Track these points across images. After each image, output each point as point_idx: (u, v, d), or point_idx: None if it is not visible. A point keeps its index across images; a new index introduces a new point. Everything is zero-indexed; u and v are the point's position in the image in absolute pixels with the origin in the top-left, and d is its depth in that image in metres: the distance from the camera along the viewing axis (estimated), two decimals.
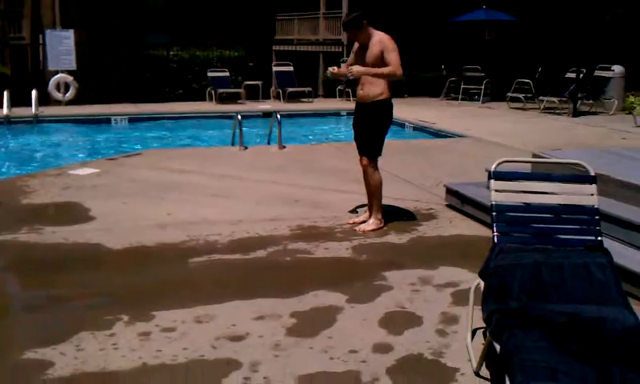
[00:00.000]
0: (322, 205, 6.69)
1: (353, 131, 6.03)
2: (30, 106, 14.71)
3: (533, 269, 3.42)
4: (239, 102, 17.38)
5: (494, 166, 3.78)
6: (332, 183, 7.65)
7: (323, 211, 6.43)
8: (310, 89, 18.48)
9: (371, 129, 5.77)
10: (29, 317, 4.14)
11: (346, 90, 18.34)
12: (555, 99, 15.42)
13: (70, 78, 17.02)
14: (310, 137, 13.81)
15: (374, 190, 5.90)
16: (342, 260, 5.09)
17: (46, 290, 4.49)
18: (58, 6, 21.20)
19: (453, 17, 19.38)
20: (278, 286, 4.52)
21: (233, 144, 10.60)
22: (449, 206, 6.63)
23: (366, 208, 6.10)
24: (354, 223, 5.96)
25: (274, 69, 19.02)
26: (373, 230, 5.79)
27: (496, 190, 3.76)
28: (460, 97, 18.18)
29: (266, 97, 18.57)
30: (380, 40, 5.63)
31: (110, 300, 4.30)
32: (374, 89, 5.66)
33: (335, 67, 6.05)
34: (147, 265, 5.01)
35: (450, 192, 6.70)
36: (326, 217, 6.21)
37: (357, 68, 5.61)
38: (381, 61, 5.58)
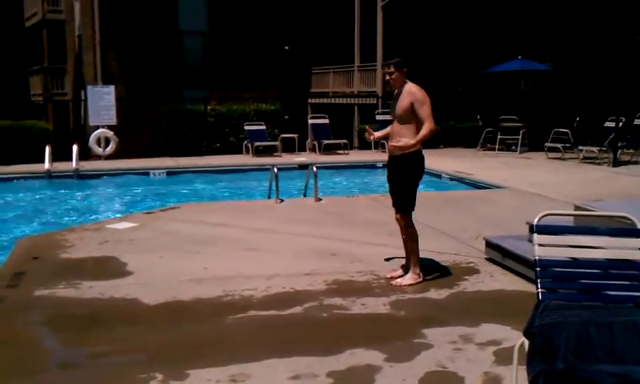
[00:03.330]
0: (358, 258, 6.60)
1: (388, 185, 5.96)
2: (71, 160, 15.02)
3: (580, 327, 3.28)
4: (275, 154, 17.51)
5: (536, 220, 3.67)
6: (368, 236, 7.57)
7: (360, 265, 6.33)
8: (345, 141, 18.55)
9: (403, 182, 5.71)
10: (64, 374, 4.12)
11: (382, 141, 18.37)
12: (595, 149, 15.18)
13: (110, 133, 17.38)
14: (346, 189, 13.79)
15: (410, 245, 5.80)
16: (380, 316, 4.97)
17: (82, 347, 4.47)
18: (100, 63, 21.87)
19: (488, 67, 19.39)
20: (315, 343, 4.42)
21: (269, 197, 10.62)
22: (489, 259, 6.48)
23: (403, 262, 5.99)
24: (391, 277, 5.85)
25: (310, 121, 19.17)
26: (410, 285, 5.67)
27: (539, 245, 3.64)
28: (497, 147, 18.03)
29: (302, 149, 18.69)
30: (410, 91, 5.62)
31: (144, 357, 4.26)
32: (404, 141, 5.61)
33: (372, 133, 6.06)
34: (183, 321, 4.96)
35: (490, 245, 6.56)
36: (363, 271, 6.12)
37: (401, 143, 5.59)
38: (411, 112, 5.56)
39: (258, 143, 17.61)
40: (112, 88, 18.03)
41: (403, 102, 5.60)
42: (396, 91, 5.78)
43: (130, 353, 4.35)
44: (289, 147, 18.49)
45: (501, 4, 20.65)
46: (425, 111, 5.54)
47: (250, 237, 7.72)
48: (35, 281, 5.89)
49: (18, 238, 8.07)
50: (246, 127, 18.19)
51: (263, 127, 18.39)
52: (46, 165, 14.63)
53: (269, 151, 17.73)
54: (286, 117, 20.94)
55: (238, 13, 22.95)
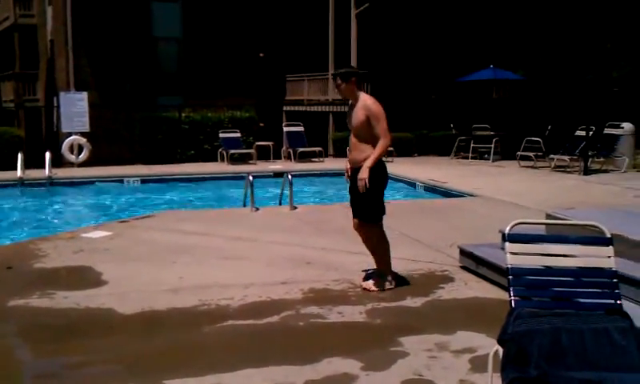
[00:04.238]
0: (334, 267, 6.64)
1: (349, 195, 5.98)
2: (44, 167, 14.86)
3: (552, 335, 3.35)
4: (250, 162, 17.50)
5: (508, 228, 3.74)
6: (344, 244, 7.61)
7: (336, 274, 6.37)
8: (320, 149, 18.62)
9: (368, 192, 5.65)
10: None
11: None
12: (566, 157, 15.42)
13: (83, 140, 17.23)
14: (322, 197, 13.84)
15: (375, 251, 5.87)
16: (357, 325, 5.02)
17: (57, 358, 4.45)
18: (72, 69, 21.69)
19: (461, 76, 19.62)
20: (291, 352, 4.45)
21: (244, 205, 10.62)
22: (463, 267, 6.56)
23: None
24: (367, 287, 5.89)
25: (285, 129, 19.20)
26: (378, 291, 5.72)
27: (511, 253, 3.71)
28: (470, 155, 18.22)
29: (277, 157, 18.71)
30: (364, 104, 5.63)
31: (121, 368, 4.25)
32: (362, 154, 5.64)
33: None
34: (159, 331, 4.95)
35: (464, 253, 6.65)
36: (339, 279, 6.16)
37: (363, 176, 5.60)
38: (366, 126, 5.60)
39: (232, 151, 17.59)
40: (85, 94, 17.88)
41: (358, 115, 5.64)
42: (350, 101, 5.82)
43: (106, 363, 4.33)
44: (264, 155, 18.50)
45: (474, 13, 20.94)
46: (381, 127, 5.56)
47: (226, 245, 7.72)
48: (9, 291, 5.83)
49: None
50: (221, 135, 18.15)
51: (238, 135, 18.38)
52: (19, 172, 14.44)
53: (244, 159, 17.71)
54: (261, 124, 20.96)
55: (213, 20, 22.95)
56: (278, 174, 14.65)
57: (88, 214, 12.09)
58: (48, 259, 7.01)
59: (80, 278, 6.29)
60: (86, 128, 17.43)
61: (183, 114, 19.08)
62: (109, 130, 19.45)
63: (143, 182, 15.03)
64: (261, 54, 24.41)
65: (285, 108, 25.03)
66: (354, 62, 21.03)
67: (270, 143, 18.81)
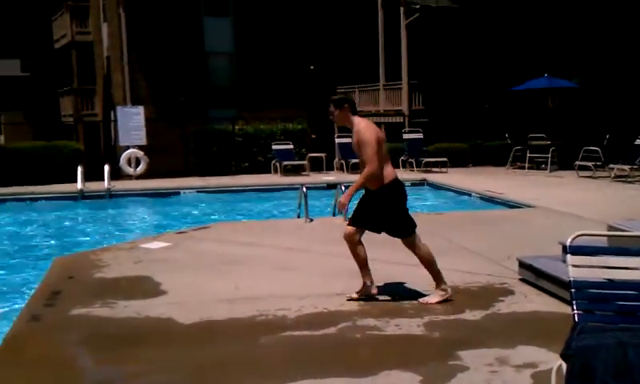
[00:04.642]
0: (390, 278, 6.59)
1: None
2: (103, 180, 15.24)
3: (617, 350, 3.25)
4: (303, 173, 17.61)
5: (569, 240, 3.66)
6: (398, 256, 7.50)
7: (392, 286, 6.33)
8: None
9: (390, 214, 5.66)
10: None
11: (409, 160, 18.35)
12: (626, 167, 15.01)
13: (140, 153, 17.62)
14: None
15: (426, 263, 5.79)
16: (414, 338, 4.96)
17: (117, 366, 4.53)
18: (128, 84, 22.20)
19: (514, 85, 19.32)
20: (349, 364, 4.43)
21: (299, 216, 10.67)
22: (522, 280, 6.43)
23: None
24: (423, 301, 5.82)
25: (337, 140, 19.25)
26: (438, 303, 5.66)
27: (574, 266, 3.62)
28: (527, 165, 17.91)
29: (330, 168, 18.76)
30: (356, 130, 5.65)
31: (179, 378, 4.30)
32: (371, 178, 5.60)
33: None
34: (216, 341, 5.00)
35: (523, 266, 6.51)
36: (395, 292, 6.11)
37: (341, 200, 5.83)
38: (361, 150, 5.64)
39: (286, 162, 17.73)
40: (141, 108, 18.32)
41: (354, 141, 5.73)
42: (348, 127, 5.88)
43: (165, 372, 4.40)
44: (316, 166, 18.59)
45: (527, 21, 20.60)
46: (367, 153, 5.51)
47: (281, 256, 7.76)
48: (71, 300, 5.99)
49: (53, 257, 8.19)
50: (274, 147, 18.33)
51: (291, 146, 18.52)
52: (79, 185, 14.86)
53: (297, 170, 17.83)
54: (313, 136, 21.06)
55: (264, 33, 23.18)
56: (331, 186, 14.69)
57: (146, 225, 12.34)
58: (108, 269, 7.17)
59: (139, 288, 6.41)
60: (143, 141, 17.82)
61: (237, 127, 19.33)
62: (164, 142, 19.81)
63: (199, 193, 15.27)
64: (311, 66, 24.54)
65: None
66: (404, 73, 20.99)
67: (323, 155, 18.90)
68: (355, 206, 5.89)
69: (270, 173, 18.11)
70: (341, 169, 18.55)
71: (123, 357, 4.69)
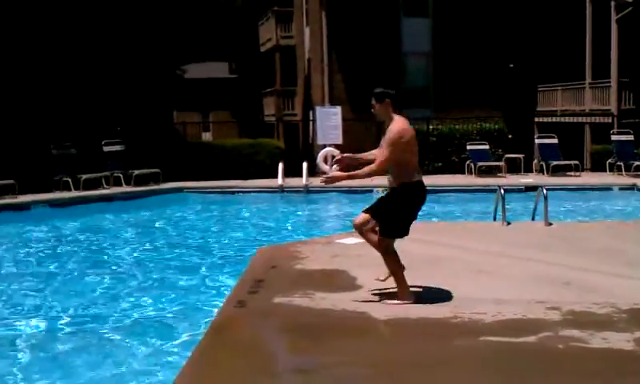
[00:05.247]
0: (594, 289, 6.17)
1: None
2: (301, 176, 15.92)
3: None
4: (499, 175, 17.08)
5: None
6: (605, 265, 7.04)
7: (597, 296, 5.90)
8: (576, 162, 17.52)
9: (390, 207, 5.74)
10: (293, 378, 4.35)
11: (618, 163, 17.06)
12: None
13: (336, 152, 17.87)
14: (578, 213, 13.00)
15: (390, 269, 5.81)
16: (625, 353, 4.56)
17: (313, 355, 4.68)
18: (327, 85, 22.94)
19: None
20: (552, 375, 4.21)
21: (494, 219, 10.35)
22: None
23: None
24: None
25: (537, 141, 18.46)
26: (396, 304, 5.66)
27: None
28: None
29: (528, 170, 18.01)
30: (390, 129, 5.64)
31: (371, 372, 4.35)
32: (393, 176, 5.71)
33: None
34: (410, 339, 4.99)
35: None
36: (601, 303, 5.69)
37: (334, 175, 6.02)
38: None
39: (480, 163, 17.31)
40: (339, 109, 18.83)
41: (385, 138, 5.65)
42: (385, 122, 5.73)
43: (357, 365, 4.46)
44: (513, 168, 17.95)
45: None
46: (384, 152, 5.59)
47: (476, 259, 7.56)
48: (273, 288, 6.31)
49: (257, 247, 8.70)
50: (469, 147, 17.98)
51: (486, 147, 18.06)
52: (279, 180, 15.68)
53: (492, 171, 17.35)
54: (510, 136, 20.36)
55: (463, 32, 22.77)
56: (530, 188, 14.10)
57: (340, 220, 12.68)
58: (307, 261, 7.46)
59: (336, 281, 6.60)
60: (339, 140, 18.31)
61: (431, 127, 19.23)
62: (359, 142, 20.18)
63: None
64: (510, 65, 23.70)
65: (536, 119, 24.04)
66: (614, 70, 19.59)
67: (520, 156, 18.20)
68: (380, 200, 6.03)
69: (463, 173, 17.79)
70: (540, 171, 17.71)
71: (318, 346, 4.84)
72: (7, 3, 16.80)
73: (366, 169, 5.79)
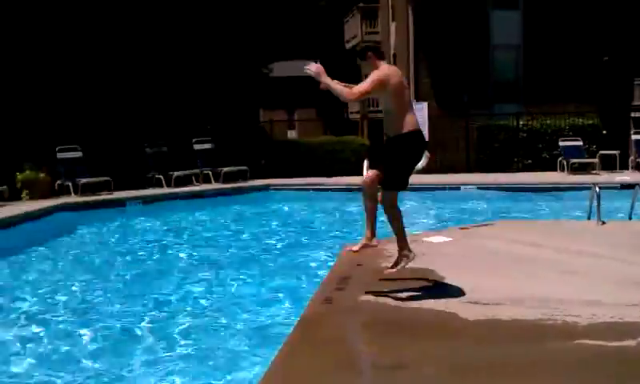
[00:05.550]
0: None
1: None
2: None
3: None
4: (593, 172, 16.48)
5: None
6: None
7: None
8: None
9: (388, 157, 5.84)
10: (380, 376, 4.34)
11: None
12: None
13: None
14: None
15: (392, 226, 5.98)
16: None
17: (396, 353, 4.61)
18: (413, 81, 22.74)
19: None
20: None
21: (589, 218, 9.98)
22: None
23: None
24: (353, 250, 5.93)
25: (633, 137, 17.69)
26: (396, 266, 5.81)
27: None
28: None
29: (624, 167, 17.27)
30: (374, 71, 5.69)
31: (459, 372, 4.27)
32: (388, 125, 5.86)
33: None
34: (495, 341, 4.87)
35: None
36: None
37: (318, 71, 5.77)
38: (378, 94, 5.85)
39: (573, 160, 16.75)
40: (425, 105, 18.66)
41: None
42: None
43: (437, 366, 4.37)
44: (608, 165, 17.25)
45: None
46: (362, 84, 5.65)
47: (568, 259, 7.32)
48: (360, 286, 6.30)
49: (343, 244, 8.73)
50: (561, 143, 17.43)
51: (580, 143, 17.45)
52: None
53: (585, 169, 16.76)
54: (604, 132, 19.58)
55: (555, 24, 22.05)
56: (626, 186, 13.51)
57: (427, 218, 12.57)
58: (393, 259, 7.38)
59: (423, 280, 6.52)
60: (426, 137, 18.13)
61: (521, 122, 18.74)
62: (446, 138, 19.94)
63: (479, 189, 15.11)
64: (605, 57, 22.76)
65: (632, 114, 22.99)
66: None
67: (616, 152, 17.47)
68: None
69: (554, 170, 17.25)
70: (637, 168, 16.95)
71: (405, 344, 4.78)
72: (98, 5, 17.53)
73: (343, 87, 5.80)
